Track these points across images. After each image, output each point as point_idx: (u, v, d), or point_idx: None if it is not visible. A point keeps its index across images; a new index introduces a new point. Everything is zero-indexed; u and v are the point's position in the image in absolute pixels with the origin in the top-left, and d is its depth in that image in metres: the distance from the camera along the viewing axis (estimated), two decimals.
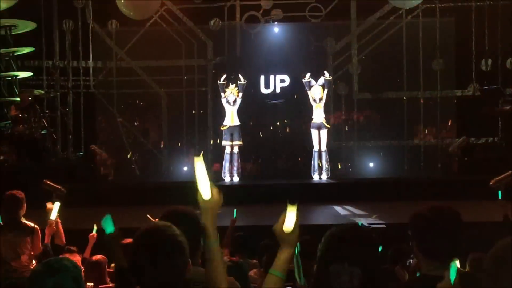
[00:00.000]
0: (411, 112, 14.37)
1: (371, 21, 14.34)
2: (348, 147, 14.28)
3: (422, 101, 14.28)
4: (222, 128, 12.71)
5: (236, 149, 12.62)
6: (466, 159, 13.14)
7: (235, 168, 12.61)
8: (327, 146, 12.66)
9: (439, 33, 14.10)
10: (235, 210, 7.07)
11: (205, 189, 2.68)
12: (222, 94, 12.75)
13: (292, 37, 14.91)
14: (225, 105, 12.74)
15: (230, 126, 12.60)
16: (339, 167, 13.73)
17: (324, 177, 12.57)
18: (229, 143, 12.58)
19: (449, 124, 14.45)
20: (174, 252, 2.45)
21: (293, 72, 13.85)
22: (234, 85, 12.65)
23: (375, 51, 14.44)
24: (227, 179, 12.54)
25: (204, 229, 2.67)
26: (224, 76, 12.82)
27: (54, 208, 6.08)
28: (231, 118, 12.60)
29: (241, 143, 12.70)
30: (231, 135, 12.58)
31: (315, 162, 12.65)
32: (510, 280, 2.19)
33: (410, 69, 14.25)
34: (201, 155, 2.73)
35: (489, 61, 13.89)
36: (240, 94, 12.63)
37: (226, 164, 12.59)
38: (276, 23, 14.78)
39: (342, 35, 14.62)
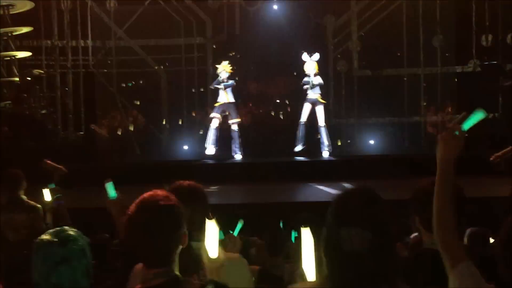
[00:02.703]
0: (412, 88, 14.33)
1: None
2: (348, 124, 14.26)
3: (422, 77, 14.22)
4: (215, 105, 12.54)
5: (235, 127, 12.50)
6: (466, 135, 13.11)
7: (237, 146, 12.53)
8: (326, 122, 12.56)
9: (439, 9, 14.00)
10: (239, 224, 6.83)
11: (213, 249, 2.69)
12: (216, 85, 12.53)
13: (291, 14, 14.82)
14: (220, 86, 12.45)
15: (224, 103, 12.45)
16: (339, 144, 13.70)
17: (326, 154, 12.50)
18: (218, 115, 12.38)
19: (450, 109, 14.39)
20: (167, 221, 2.46)
21: (292, 50, 13.78)
22: (227, 62, 12.50)
23: (375, 28, 14.37)
24: (209, 151, 12.30)
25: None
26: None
27: (46, 192, 6.05)
28: (225, 96, 12.43)
29: (239, 120, 12.59)
30: (224, 111, 12.43)
31: (300, 134, 12.55)
32: None
33: (410, 45, 14.18)
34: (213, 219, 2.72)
35: (490, 37, 13.80)
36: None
37: (210, 135, 12.31)
38: (275, 0, 14.69)
39: (342, 12, 14.53)
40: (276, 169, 12.05)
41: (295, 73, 14.05)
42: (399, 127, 14.28)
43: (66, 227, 2.51)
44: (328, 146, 12.47)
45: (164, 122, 14.77)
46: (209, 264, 2.69)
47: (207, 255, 2.73)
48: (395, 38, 14.24)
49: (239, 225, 4.18)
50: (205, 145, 12.30)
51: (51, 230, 2.46)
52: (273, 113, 15.41)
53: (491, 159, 8.31)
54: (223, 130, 12.59)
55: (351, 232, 2.05)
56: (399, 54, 14.33)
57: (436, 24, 14.04)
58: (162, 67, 14.71)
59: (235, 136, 12.50)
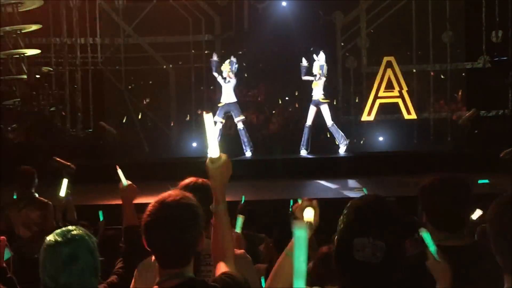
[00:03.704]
0: (421, 85, 14.28)
1: None
2: (357, 121, 14.22)
3: (432, 73, 14.16)
4: (219, 105, 12.54)
5: (240, 125, 12.52)
6: (476, 131, 13.07)
7: (246, 143, 12.56)
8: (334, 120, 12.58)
9: (448, 5, 13.94)
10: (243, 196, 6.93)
11: (213, 147, 2.63)
12: (215, 73, 12.56)
13: (300, 11, 14.79)
14: (221, 82, 12.55)
15: (225, 104, 12.45)
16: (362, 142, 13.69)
17: (343, 150, 12.52)
18: (221, 119, 12.40)
19: (459, 95, 14.34)
20: (188, 222, 2.43)
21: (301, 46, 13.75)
22: (228, 62, 12.47)
23: (384, 24, 14.32)
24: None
25: (213, 193, 2.64)
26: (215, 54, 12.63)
27: (63, 185, 6.10)
28: (227, 95, 12.43)
29: (243, 117, 12.58)
30: (226, 113, 12.42)
31: (305, 137, 12.58)
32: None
33: (419, 42, 14.13)
34: (210, 113, 2.69)
35: (500, 33, 13.72)
36: (231, 73, 12.38)
37: None
38: None
39: (351, 9, 14.49)
40: (285, 166, 12.05)
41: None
42: (408, 123, 14.22)
43: (73, 227, 2.50)
44: (343, 141, 12.48)
45: (172, 124, 14.73)
46: (210, 165, 2.65)
47: (209, 158, 2.69)
48: (405, 35, 14.17)
49: (239, 221, 4.15)
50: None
51: (58, 230, 2.46)
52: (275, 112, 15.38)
53: (501, 156, 8.29)
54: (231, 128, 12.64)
55: (365, 242, 2.04)
56: (408, 53, 14.26)
57: (445, 20, 13.97)
58: (170, 66, 14.68)
59: (242, 133, 12.52)
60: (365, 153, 13.07)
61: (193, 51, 14.70)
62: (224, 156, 2.64)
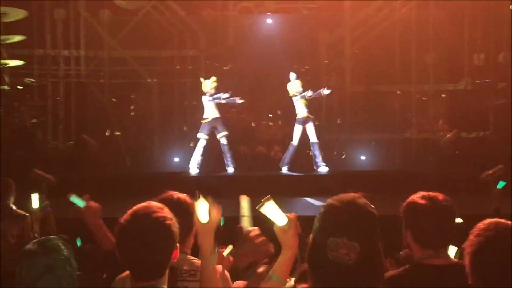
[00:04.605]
0: (403, 105, 14.38)
1: (365, 13, 14.30)
2: (340, 140, 14.26)
3: (416, 95, 14.27)
4: (202, 122, 12.40)
5: (224, 140, 12.44)
6: (457, 152, 13.17)
7: (229, 159, 12.50)
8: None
9: (431, 27, 14.10)
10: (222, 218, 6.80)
11: (203, 212, 2.63)
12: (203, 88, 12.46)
13: (285, 29, 14.86)
14: (203, 98, 12.23)
15: (212, 119, 12.36)
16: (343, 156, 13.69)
17: (323, 170, 12.45)
18: (205, 136, 12.34)
19: (440, 123, 14.44)
20: (159, 235, 2.41)
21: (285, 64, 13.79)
22: (214, 77, 12.38)
23: (368, 44, 14.43)
24: (193, 171, 12.23)
25: (201, 249, 2.64)
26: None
27: (33, 198, 6.01)
28: (212, 111, 12.27)
29: (227, 132, 12.49)
30: (211, 128, 12.35)
31: (288, 155, 12.54)
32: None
33: (402, 62, 14.24)
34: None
35: (482, 56, 13.90)
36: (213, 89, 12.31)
37: (196, 157, 12.32)
38: (269, 14, 14.73)
39: (335, 28, 14.59)
40: (267, 183, 12.01)
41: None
42: (390, 143, 14.29)
43: (51, 237, 2.48)
44: (322, 161, 12.44)
45: (153, 139, 14.66)
46: (201, 227, 2.65)
47: (199, 221, 2.69)
48: (388, 55, 14.28)
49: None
50: (189, 165, 12.19)
51: (35, 240, 2.45)
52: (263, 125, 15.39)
53: (481, 177, 8.33)
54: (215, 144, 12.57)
55: (339, 242, 2.03)
56: (391, 72, 14.38)
57: (428, 41, 14.11)
58: (154, 80, 14.63)
59: (225, 149, 12.44)
60: (347, 172, 13.08)
61: (177, 66, 14.69)
62: (214, 216, 2.65)
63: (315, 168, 12.43)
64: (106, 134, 14.26)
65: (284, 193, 11.58)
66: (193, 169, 12.21)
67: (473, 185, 9.36)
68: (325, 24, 14.67)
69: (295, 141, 12.43)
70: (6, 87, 12.42)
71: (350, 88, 14.41)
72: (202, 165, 12.30)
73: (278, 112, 15.35)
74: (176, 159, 13.66)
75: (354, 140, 14.25)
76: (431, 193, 3.04)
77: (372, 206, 2.17)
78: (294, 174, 12.49)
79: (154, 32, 14.44)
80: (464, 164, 12.54)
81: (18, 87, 13.01)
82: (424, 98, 14.44)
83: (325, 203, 2.20)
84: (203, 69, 14.50)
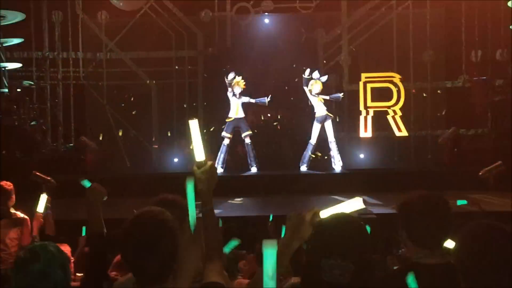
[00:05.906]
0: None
1: (362, 12, 14.31)
2: (339, 138, 14.24)
3: (414, 91, 14.25)
4: (227, 120, 12.61)
5: (248, 140, 12.59)
6: (455, 150, 13.18)
7: (252, 158, 12.61)
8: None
9: (429, 24, 14.10)
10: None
11: (199, 151, 2.69)
12: (229, 88, 12.58)
13: (282, 28, 14.87)
14: (231, 98, 12.55)
15: (235, 119, 12.52)
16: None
17: (338, 168, 12.56)
18: (229, 135, 12.51)
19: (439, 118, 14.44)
20: (163, 238, 2.43)
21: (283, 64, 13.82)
22: (240, 77, 12.54)
23: (366, 42, 14.44)
24: (219, 170, 12.40)
25: (200, 196, 2.65)
26: (233, 73, 12.63)
27: (41, 201, 6.03)
28: (236, 111, 12.51)
29: (250, 132, 12.65)
30: (235, 127, 12.51)
31: (307, 153, 12.65)
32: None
33: (400, 60, 14.24)
34: (196, 119, 2.73)
35: (479, 53, 13.91)
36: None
37: (221, 155, 12.46)
38: (266, 14, 14.73)
39: (333, 26, 14.60)
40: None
41: (285, 88, 14.08)
42: (388, 141, 14.26)
43: (44, 243, 2.50)
44: (339, 160, 12.57)
45: (154, 139, 14.65)
46: (196, 169, 2.69)
47: (196, 162, 2.72)
48: (386, 53, 14.27)
49: (233, 244, 4.11)
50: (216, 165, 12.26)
51: (29, 246, 2.46)
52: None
53: (480, 174, 8.36)
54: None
55: (332, 263, 2.03)
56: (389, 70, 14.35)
57: (426, 39, 14.11)
58: (154, 82, 14.63)
59: (249, 149, 12.62)
60: (346, 170, 13.07)
61: (176, 67, 14.70)
62: (209, 163, 2.68)
63: (333, 166, 12.53)
64: (119, 134, 14.29)
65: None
66: (218, 169, 12.29)
67: (472, 182, 9.39)
68: (323, 23, 14.67)
69: (313, 139, 12.55)
70: (5, 90, 12.42)
71: (348, 87, 14.39)
72: (227, 165, 12.58)
73: (278, 113, 15.37)
74: (175, 160, 13.69)
75: (353, 138, 14.21)
76: (426, 192, 3.04)
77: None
78: (314, 172, 12.56)
79: (152, 33, 14.45)
80: (463, 161, 12.56)
81: (17, 89, 13.00)
82: (424, 94, 14.41)
83: (315, 224, 2.20)
84: (201, 69, 14.53)
